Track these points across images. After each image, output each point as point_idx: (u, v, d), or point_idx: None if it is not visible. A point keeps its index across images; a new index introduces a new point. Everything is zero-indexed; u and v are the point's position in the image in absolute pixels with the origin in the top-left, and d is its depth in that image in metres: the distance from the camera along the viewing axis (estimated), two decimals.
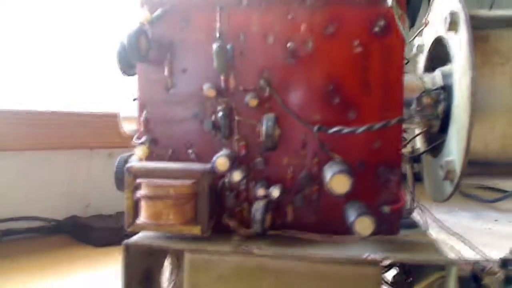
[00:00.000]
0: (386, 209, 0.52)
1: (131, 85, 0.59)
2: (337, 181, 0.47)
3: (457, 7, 0.52)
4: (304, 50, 0.53)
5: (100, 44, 1.39)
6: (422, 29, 0.65)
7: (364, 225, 0.47)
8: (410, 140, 0.66)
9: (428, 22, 0.64)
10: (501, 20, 0.52)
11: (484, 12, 0.53)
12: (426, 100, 0.57)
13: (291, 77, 0.53)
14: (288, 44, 0.53)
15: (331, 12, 0.53)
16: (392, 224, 0.53)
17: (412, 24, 1.96)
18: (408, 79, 0.59)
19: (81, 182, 1.35)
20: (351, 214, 0.48)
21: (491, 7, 2.15)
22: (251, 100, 0.52)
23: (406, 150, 0.70)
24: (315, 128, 0.50)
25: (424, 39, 0.68)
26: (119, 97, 0.65)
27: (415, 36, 0.67)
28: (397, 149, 0.53)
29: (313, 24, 0.53)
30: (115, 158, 0.59)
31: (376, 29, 0.52)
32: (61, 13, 1.36)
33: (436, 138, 0.60)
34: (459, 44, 0.52)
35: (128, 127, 0.64)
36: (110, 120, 0.83)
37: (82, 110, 1.33)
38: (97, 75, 1.41)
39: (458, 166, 0.51)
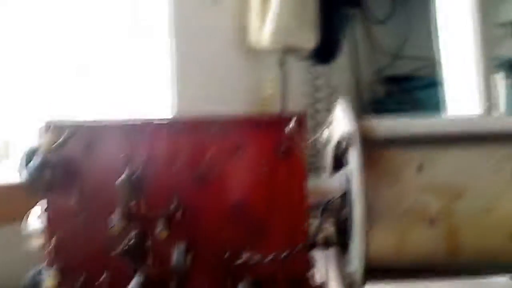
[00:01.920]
0: None
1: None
2: None
3: (352, 128, 0.57)
4: (212, 174, 0.55)
5: None
6: (325, 128, 0.69)
7: None
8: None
9: (332, 121, 0.69)
10: (395, 140, 0.57)
11: (378, 133, 0.58)
12: (329, 207, 0.62)
13: (201, 201, 0.55)
14: (196, 169, 0.54)
15: (237, 137, 0.55)
16: None
17: (335, 56, 2.03)
18: (317, 183, 0.63)
19: None
20: None
21: (403, 45, 2.33)
22: (162, 233, 0.52)
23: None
24: (226, 254, 0.52)
25: (331, 132, 0.72)
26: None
27: (320, 133, 0.71)
28: (306, 266, 0.56)
29: (220, 149, 0.55)
30: None
31: (280, 152, 0.55)
32: None
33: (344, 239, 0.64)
34: (353, 161, 0.57)
35: (35, 243, 0.61)
36: None
37: None
38: None
39: (358, 277, 0.55)
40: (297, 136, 0.54)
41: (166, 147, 0.55)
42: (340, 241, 0.64)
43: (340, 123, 0.63)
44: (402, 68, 2.30)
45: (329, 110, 2.19)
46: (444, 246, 0.56)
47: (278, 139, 0.55)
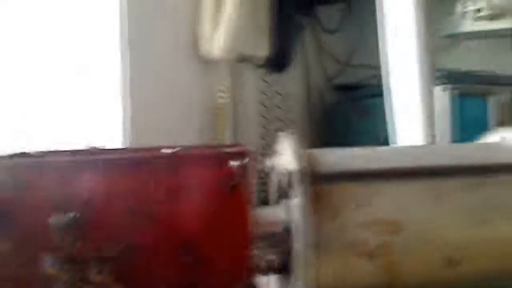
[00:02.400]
0: None
1: None
2: None
3: (297, 164, 0.57)
4: (154, 212, 0.53)
5: None
6: (267, 158, 0.69)
7: None
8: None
9: (278, 151, 0.69)
10: (336, 175, 0.58)
11: (321, 168, 0.58)
12: (273, 238, 0.62)
13: (142, 240, 0.53)
14: (139, 207, 0.53)
15: (181, 175, 0.54)
16: None
17: (287, 65, 2.05)
18: (262, 214, 0.63)
19: None
20: None
21: (353, 54, 2.39)
22: (97, 276, 0.51)
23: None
24: None
25: (277, 162, 0.73)
26: None
27: (267, 162, 0.71)
28: None
29: (163, 186, 0.54)
30: None
31: (226, 187, 0.55)
32: None
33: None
34: (297, 195, 0.57)
35: None
36: None
37: None
38: None
39: None
40: (242, 170, 0.54)
41: (105, 185, 0.52)
42: (284, 271, 0.64)
43: (285, 155, 0.63)
44: (353, 76, 2.35)
45: (281, 119, 2.20)
46: (385, 278, 0.58)
47: (222, 174, 0.54)
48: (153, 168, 0.53)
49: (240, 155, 0.55)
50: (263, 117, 2.02)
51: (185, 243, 0.54)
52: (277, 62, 2.04)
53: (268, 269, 0.68)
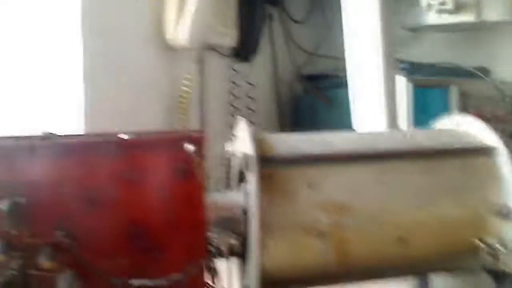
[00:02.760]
0: None
1: None
2: None
3: (250, 148, 0.58)
4: (105, 197, 0.53)
5: None
6: (229, 144, 0.70)
7: None
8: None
9: (236, 137, 0.70)
10: (289, 159, 0.59)
11: (275, 152, 0.59)
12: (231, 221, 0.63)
13: (92, 225, 0.53)
14: (87, 192, 0.52)
15: (131, 159, 0.54)
16: None
17: (254, 54, 2.04)
18: (220, 198, 0.64)
19: None
20: None
21: (320, 45, 2.41)
22: (45, 263, 0.50)
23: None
24: (117, 281, 0.51)
25: (235, 147, 0.73)
26: None
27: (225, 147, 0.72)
28: (202, 282, 0.57)
29: (114, 171, 0.53)
30: None
31: (178, 172, 0.55)
32: None
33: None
34: (251, 179, 0.58)
35: None
36: None
37: None
38: None
39: None
40: (196, 155, 0.54)
41: (53, 170, 0.52)
42: (242, 254, 0.65)
43: (241, 140, 0.64)
44: (320, 67, 2.38)
45: (250, 108, 2.20)
46: (335, 257, 0.60)
47: (176, 159, 0.55)
48: (102, 153, 0.53)
49: (193, 140, 0.55)
50: (232, 106, 2.02)
51: (138, 228, 0.54)
52: (244, 51, 2.04)
53: (229, 253, 0.69)
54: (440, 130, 0.75)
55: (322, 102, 2.22)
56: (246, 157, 0.57)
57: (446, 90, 1.98)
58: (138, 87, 1.58)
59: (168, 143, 0.54)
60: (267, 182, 0.58)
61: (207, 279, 0.65)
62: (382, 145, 0.63)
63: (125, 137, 0.55)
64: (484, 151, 0.64)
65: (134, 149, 0.54)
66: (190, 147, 0.54)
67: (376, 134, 0.68)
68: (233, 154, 0.74)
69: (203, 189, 0.56)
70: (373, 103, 1.40)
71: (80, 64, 1.46)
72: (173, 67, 1.70)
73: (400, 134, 0.69)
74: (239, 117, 0.63)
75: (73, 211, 0.52)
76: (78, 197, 0.52)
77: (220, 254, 0.69)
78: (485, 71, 2.25)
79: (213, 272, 0.64)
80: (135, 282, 0.51)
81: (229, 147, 0.74)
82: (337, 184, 0.59)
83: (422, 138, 0.66)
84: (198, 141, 0.55)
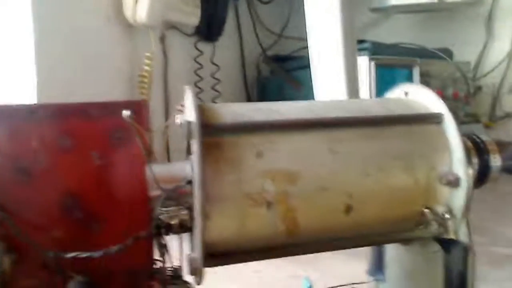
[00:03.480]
0: None
1: None
2: None
3: (193, 116, 0.56)
4: (38, 167, 0.50)
5: None
6: (175, 115, 0.67)
7: None
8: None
9: (183, 108, 0.68)
10: (236, 127, 0.58)
11: (220, 120, 0.58)
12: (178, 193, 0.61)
13: (25, 196, 0.50)
14: (17, 161, 0.49)
15: (65, 125, 0.51)
16: None
17: (219, 34, 2.02)
18: (167, 169, 0.62)
19: None
20: None
21: (286, 26, 2.39)
22: None
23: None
24: (50, 254, 0.49)
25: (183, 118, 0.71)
26: None
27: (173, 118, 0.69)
28: (146, 255, 0.55)
29: (45, 139, 0.50)
30: None
31: (115, 140, 0.53)
32: None
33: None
34: (194, 148, 0.56)
35: None
36: None
37: None
38: None
39: (199, 262, 0.56)
40: (134, 122, 0.52)
41: None
42: (191, 227, 0.64)
43: (188, 109, 0.62)
44: (287, 48, 2.37)
45: (215, 89, 2.19)
46: (283, 227, 0.59)
47: (112, 126, 0.52)
48: (33, 120, 0.50)
49: (132, 107, 0.52)
50: (197, 87, 1.98)
51: (74, 199, 0.51)
52: (209, 31, 2.00)
53: (179, 228, 0.67)
54: (388, 98, 0.75)
55: (289, 83, 2.21)
56: (188, 124, 0.55)
57: (409, 71, 2.00)
58: (97, 65, 1.53)
59: (104, 109, 0.52)
60: (212, 151, 0.56)
61: (157, 256, 0.63)
62: (331, 114, 0.62)
63: (53, 103, 0.52)
64: (432, 119, 0.64)
65: (67, 116, 0.51)
66: (127, 113, 0.51)
67: (325, 102, 0.67)
68: (181, 126, 0.72)
69: (143, 159, 0.54)
70: (334, 83, 1.40)
71: (31, 41, 1.40)
72: (133, 45, 1.65)
73: (349, 103, 0.69)
74: (186, 87, 0.60)
75: (4, 182, 0.49)
76: (9, 167, 0.49)
77: (170, 229, 0.67)
78: (447, 52, 2.29)
79: (164, 249, 0.63)
80: (69, 254, 0.49)
81: (178, 119, 0.72)
82: (285, 152, 0.58)
83: (370, 106, 0.66)
84: (137, 109, 0.52)
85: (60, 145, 0.51)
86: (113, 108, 0.51)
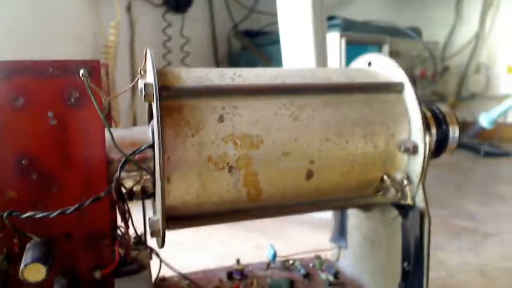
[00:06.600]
0: (98, 274, 0.54)
1: None
2: (30, 270, 0.46)
3: (152, 79, 0.55)
4: None
5: None
6: (138, 78, 0.66)
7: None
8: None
9: (145, 72, 0.66)
10: (197, 91, 0.57)
11: (182, 84, 0.57)
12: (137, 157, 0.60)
13: None
14: None
15: (18, 84, 0.49)
16: (106, 285, 0.56)
17: (188, 5, 1.97)
18: (129, 134, 0.60)
19: None
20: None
21: (255, 3, 2.35)
22: None
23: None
24: (5, 214, 0.47)
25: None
26: None
27: (133, 84, 0.68)
28: (105, 218, 0.55)
29: None
30: None
31: (71, 101, 0.51)
32: None
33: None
34: (154, 112, 0.55)
35: None
36: None
37: None
38: None
39: (160, 225, 0.56)
40: (90, 82, 0.51)
41: None
42: (153, 192, 0.63)
43: (148, 73, 0.61)
44: (258, 23, 2.34)
45: (183, 62, 2.15)
46: (244, 191, 0.60)
47: (66, 88, 0.51)
48: None
49: (88, 66, 0.51)
50: (165, 59, 1.95)
51: (28, 160, 0.50)
52: (178, 2, 1.95)
53: (142, 194, 0.66)
54: (349, 68, 0.75)
55: (260, 58, 2.20)
56: (147, 86, 0.54)
57: (378, 48, 2.02)
58: (54, 31, 1.47)
59: (58, 67, 0.50)
60: (173, 114, 0.55)
61: (120, 222, 0.63)
62: (293, 80, 0.62)
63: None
64: (392, 87, 0.66)
65: (20, 73, 0.49)
66: (83, 72, 0.50)
67: (289, 70, 0.66)
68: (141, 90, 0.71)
69: (100, 120, 0.52)
70: (303, 59, 1.40)
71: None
72: (97, 12, 1.60)
73: (312, 71, 0.69)
74: (147, 49, 0.59)
75: None
76: None
77: (133, 195, 0.66)
78: (417, 31, 2.32)
79: (127, 214, 0.62)
80: (24, 214, 0.47)
81: (140, 84, 0.71)
82: (246, 117, 0.58)
83: (333, 74, 0.66)
84: (93, 68, 0.51)
85: (13, 104, 0.49)
86: (69, 66, 0.50)
